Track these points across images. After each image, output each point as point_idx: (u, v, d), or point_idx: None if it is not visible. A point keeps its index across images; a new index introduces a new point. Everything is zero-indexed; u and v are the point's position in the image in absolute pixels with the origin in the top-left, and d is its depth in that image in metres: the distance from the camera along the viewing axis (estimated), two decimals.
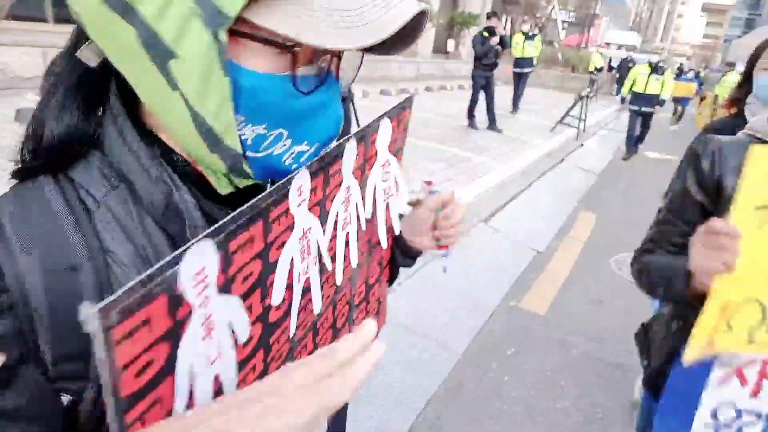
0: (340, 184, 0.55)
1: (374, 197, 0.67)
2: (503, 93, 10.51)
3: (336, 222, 0.57)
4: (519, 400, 2.62)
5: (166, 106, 0.44)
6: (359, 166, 0.60)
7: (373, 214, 0.68)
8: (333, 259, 0.59)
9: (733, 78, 11.35)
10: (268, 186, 0.52)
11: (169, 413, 0.36)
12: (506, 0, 20.55)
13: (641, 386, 1.39)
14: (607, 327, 3.39)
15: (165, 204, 0.47)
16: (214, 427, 0.31)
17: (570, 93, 14.03)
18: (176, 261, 0.33)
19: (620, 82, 14.77)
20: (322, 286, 0.57)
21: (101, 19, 0.41)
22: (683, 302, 1.12)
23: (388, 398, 2.43)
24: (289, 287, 0.49)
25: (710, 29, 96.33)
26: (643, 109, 8.23)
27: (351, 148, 0.55)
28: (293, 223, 0.47)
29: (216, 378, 0.40)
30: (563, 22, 30.78)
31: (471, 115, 8.58)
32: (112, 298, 0.29)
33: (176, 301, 0.34)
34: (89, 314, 0.28)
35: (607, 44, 36.11)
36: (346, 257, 0.63)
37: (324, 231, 0.54)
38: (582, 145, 8.95)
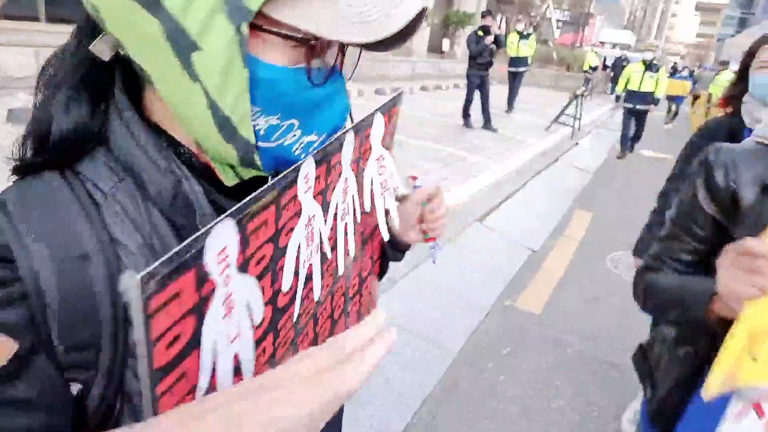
0: (339, 175, 0.57)
1: (372, 190, 0.68)
2: (498, 92, 10.52)
3: (336, 212, 0.58)
4: (514, 400, 2.61)
5: (184, 98, 0.45)
6: (355, 159, 0.61)
7: (372, 207, 0.70)
8: (333, 248, 0.60)
9: (727, 77, 11.37)
10: (270, 179, 0.53)
11: (194, 389, 0.37)
12: None
13: (632, 418, 1.33)
14: (602, 326, 3.39)
15: (173, 195, 0.48)
16: (233, 412, 0.31)
17: (565, 92, 14.05)
18: (202, 238, 0.34)
19: (615, 80, 14.82)
20: (322, 275, 0.58)
21: (125, 12, 0.42)
22: (697, 327, 1.04)
23: (387, 398, 2.42)
24: (295, 273, 0.50)
25: (704, 28, 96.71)
26: (638, 106, 8.24)
27: (349, 141, 0.57)
28: (300, 209, 0.48)
29: (236, 357, 0.42)
30: (558, 21, 30.85)
31: (466, 114, 8.58)
32: (150, 268, 0.30)
33: (202, 278, 0.35)
34: (130, 283, 0.29)
35: (602, 43, 36.19)
36: (345, 247, 0.64)
37: (325, 220, 0.56)
38: (577, 143, 8.96)
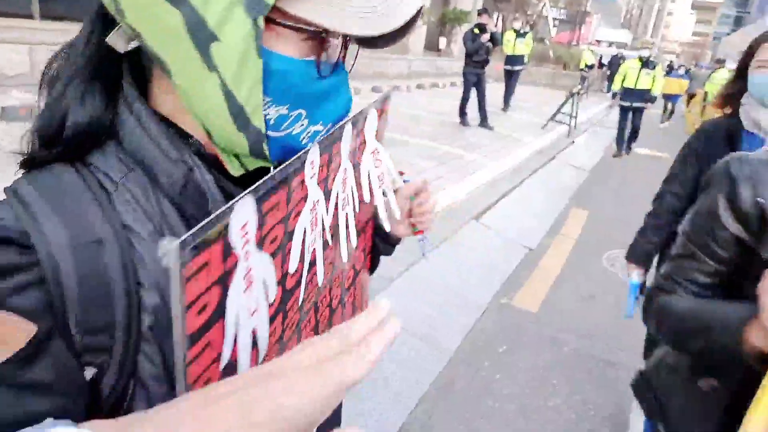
0: (339, 166, 0.59)
1: (369, 183, 0.70)
2: (494, 90, 10.52)
3: (337, 202, 0.60)
4: (511, 398, 2.61)
5: (201, 87, 0.47)
6: (352, 151, 0.63)
7: (371, 199, 0.72)
8: (332, 237, 0.62)
9: (723, 75, 11.40)
10: (271, 170, 0.55)
11: (218, 359, 0.39)
12: None
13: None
14: (598, 324, 3.39)
15: (183, 184, 0.50)
16: (247, 398, 0.32)
17: (561, 90, 14.07)
18: (227, 213, 0.36)
19: (611, 79, 14.81)
20: (323, 262, 0.60)
21: (147, 4, 0.44)
22: (722, 358, 0.93)
23: (383, 397, 2.41)
24: (301, 258, 0.52)
25: (699, 27, 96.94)
26: (635, 104, 8.23)
27: (347, 132, 0.59)
28: (306, 194, 0.50)
29: (253, 332, 0.43)
30: (554, 19, 30.87)
31: (463, 112, 8.58)
32: (185, 236, 0.32)
33: (227, 251, 0.37)
34: (170, 248, 0.31)
35: (598, 41, 36.30)
36: (348, 237, 0.67)
37: (327, 208, 0.57)
38: (573, 142, 8.97)
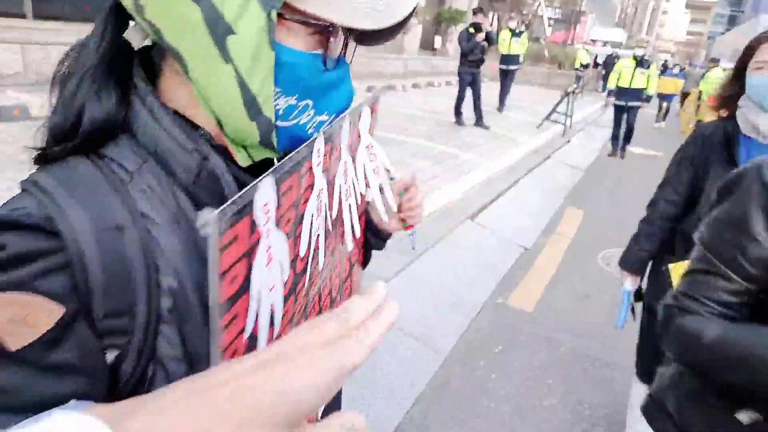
0: (339, 158, 0.61)
1: (366, 176, 0.73)
2: (490, 90, 10.53)
3: (339, 192, 0.63)
4: (507, 398, 2.61)
5: (217, 79, 0.49)
6: (350, 145, 0.65)
7: (368, 191, 0.75)
8: (333, 226, 0.64)
9: (717, 74, 11.46)
10: (275, 161, 0.60)
11: (242, 331, 0.41)
12: None
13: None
14: (593, 323, 3.40)
15: (197, 173, 0.52)
16: (246, 384, 0.32)
17: (556, 90, 14.10)
18: (252, 192, 0.38)
19: (606, 78, 14.87)
20: (325, 249, 0.62)
21: (169, 0, 0.47)
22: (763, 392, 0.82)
23: (378, 397, 2.41)
24: (308, 243, 0.54)
25: (694, 26, 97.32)
26: (630, 103, 8.23)
27: (346, 126, 0.61)
28: (313, 182, 0.53)
29: (271, 309, 0.45)
30: (549, 18, 30.92)
31: (458, 111, 8.58)
32: (221, 208, 0.34)
33: (252, 227, 0.39)
34: (209, 217, 0.33)
35: (593, 41, 36.34)
36: (353, 227, 0.70)
37: (330, 197, 0.60)
38: (568, 141, 8.99)
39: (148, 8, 0.48)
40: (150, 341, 0.47)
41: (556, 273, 4.12)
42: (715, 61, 12.88)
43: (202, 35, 0.47)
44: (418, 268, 3.51)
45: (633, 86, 8.09)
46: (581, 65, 16.82)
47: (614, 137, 8.76)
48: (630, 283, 2.02)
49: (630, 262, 2.01)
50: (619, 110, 8.45)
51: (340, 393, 0.83)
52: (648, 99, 8.43)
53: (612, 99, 8.53)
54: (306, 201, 0.52)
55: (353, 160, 0.68)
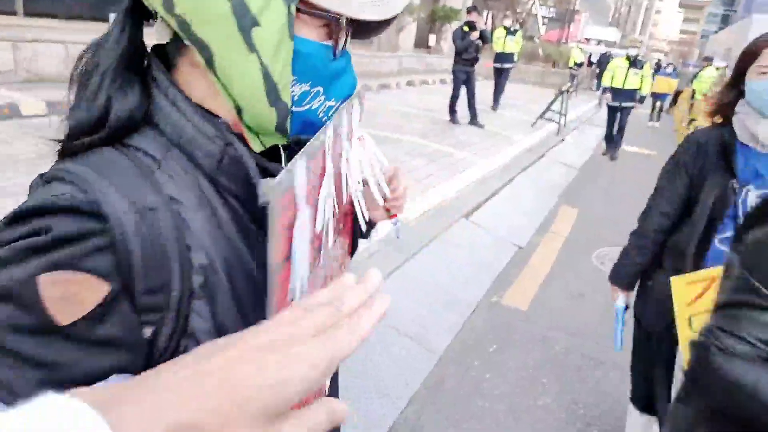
0: (341, 146, 0.65)
1: (361, 167, 0.75)
2: (484, 88, 10.53)
3: (345, 179, 0.67)
4: (501, 398, 2.60)
5: (242, 67, 0.53)
6: (347, 135, 0.68)
7: (365, 183, 0.78)
8: (334, 214, 0.66)
9: (710, 73, 11.51)
10: (281, 149, 0.66)
11: (285, 295, 0.46)
12: None
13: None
14: (588, 322, 3.40)
15: (220, 158, 0.56)
16: (234, 375, 0.31)
17: (550, 88, 14.12)
18: (291, 170, 0.42)
19: (600, 77, 14.89)
20: (332, 232, 0.65)
21: None
22: None
23: (372, 397, 2.40)
24: (322, 225, 0.57)
25: (687, 25, 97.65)
26: (623, 104, 8.23)
27: (344, 116, 0.64)
28: (325, 166, 0.56)
29: (301, 277, 0.49)
30: (543, 17, 30.98)
31: (452, 110, 8.57)
32: (277, 178, 0.39)
33: (293, 200, 0.44)
34: (270, 184, 0.38)
35: (587, 40, 36.44)
36: (363, 212, 0.74)
37: (335, 181, 0.62)
38: (563, 140, 9.00)
39: (178, 3, 0.51)
40: (183, 317, 0.50)
41: (550, 272, 4.12)
42: (708, 60, 12.92)
43: (230, 27, 0.51)
44: (413, 267, 3.50)
45: (626, 87, 8.09)
46: (575, 64, 16.87)
47: (608, 137, 8.77)
48: (622, 300, 1.94)
49: (621, 278, 1.92)
50: (612, 111, 8.45)
51: (337, 390, 0.85)
52: (642, 100, 8.43)
53: (606, 95, 8.50)
54: (320, 185, 0.55)
55: (348, 151, 0.71)
